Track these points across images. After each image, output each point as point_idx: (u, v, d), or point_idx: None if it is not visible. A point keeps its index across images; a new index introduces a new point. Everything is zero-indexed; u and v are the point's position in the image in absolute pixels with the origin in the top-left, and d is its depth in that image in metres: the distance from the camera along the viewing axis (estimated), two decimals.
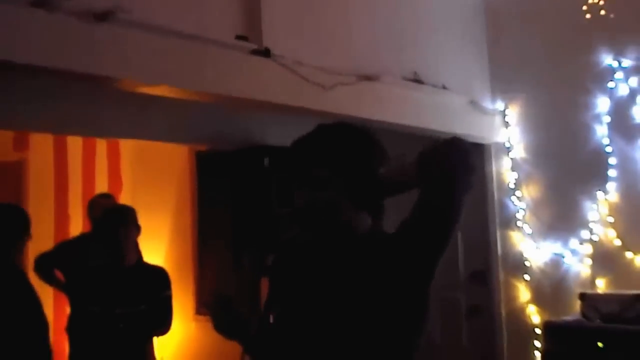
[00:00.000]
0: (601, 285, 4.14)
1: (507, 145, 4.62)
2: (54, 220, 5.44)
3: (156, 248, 5.86)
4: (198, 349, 5.50)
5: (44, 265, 4.01)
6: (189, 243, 5.67)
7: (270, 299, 1.70)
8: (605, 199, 4.11)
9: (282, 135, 1.72)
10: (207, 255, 5.52)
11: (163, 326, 3.58)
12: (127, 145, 5.86)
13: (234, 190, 4.94)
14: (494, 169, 4.72)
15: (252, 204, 4.58)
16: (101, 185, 5.65)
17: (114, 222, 3.45)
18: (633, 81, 4.03)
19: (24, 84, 3.04)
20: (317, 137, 1.67)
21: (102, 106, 3.67)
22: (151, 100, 3.20)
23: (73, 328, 3.57)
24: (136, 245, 3.64)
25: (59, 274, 3.97)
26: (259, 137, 4.65)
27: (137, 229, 3.56)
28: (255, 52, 3.07)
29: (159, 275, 3.61)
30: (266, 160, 4.69)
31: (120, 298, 3.38)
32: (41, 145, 5.34)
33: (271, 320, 1.68)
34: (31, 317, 3.02)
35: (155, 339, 3.74)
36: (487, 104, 4.61)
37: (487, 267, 4.73)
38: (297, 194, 1.63)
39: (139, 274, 3.51)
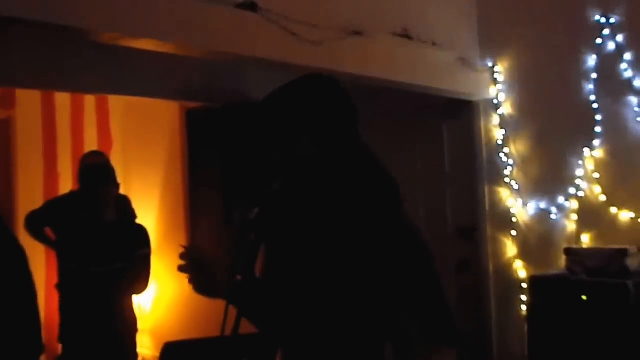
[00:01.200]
0: (586, 240, 4.19)
1: (496, 102, 4.62)
2: (43, 177, 5.45)
3: (148, 204, 5.89)
4: (194, 304, 5.56)
5: (34, 222, 4.03)
6: (181, 199, 5.71)
7: (253, 253, 1.71)
8: (592, 156, 4.14)
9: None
10: (198, 211, 5.56)
11: (139, 284, 3.58)
12: (116, 102, 5.84)
13: (223, 146, 4.96)
14: (482, 125, 4.74)
15: (242, 159, 4.60)
16: (90, 142, 5.65)
17: (92, 180, 3.44)
18: (620, 37, 4.01)
19: (6, 39, 3.02)
20: (287, 94, 1.69)
21: (89, 61, 3.65)
22: (140, 56, 3.19)
23: (60, 285, 3.60)
24: (118, 202, 3.65)
25: (49, 231, 3.99)
26: (248, 93, 4.64)
27: (117, 186, 3.57)
28: (241, 6, 3.05)
29: (137, 233, 3.61)
30: (252, 118, 4.69)
31: (97, 255, 3.40)
32: (28, 102, 5.31)
33: (256, 274, 1.70)
34: (17, 278, 2.95)
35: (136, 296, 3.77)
36: (476, 61, 4.60)
37: (475, 222, 4.78)
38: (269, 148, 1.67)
39: (117, 232, 3.51)
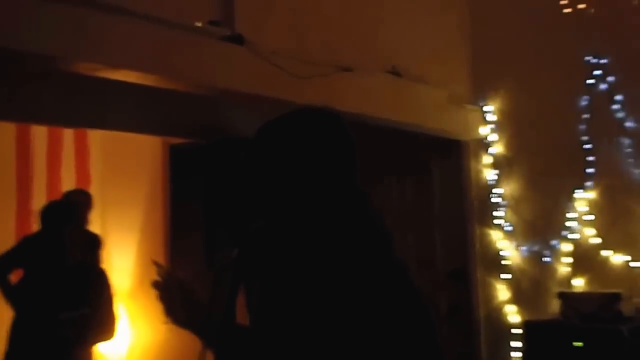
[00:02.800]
0: (579, 284, 4.09)
1: (486, 141, 4.55)
2: (16, 215, 5.24)
3: (125, 246, 5.71)
4: (171, 352, 5.36)
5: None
6: (161, 240, 5.53)
7: (233, 294, 1.60)
8: (584, 197, 4.06)
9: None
10: (179, 252, 5.38)
11: (102, 332, 3.34)
12: (96, 137, 5.68)
13: (208, 185, 4.83)
14: (472, 165, 4.66)
15: (227, 199, 4.47)
16: (68, 179, 5.46)
17: (58, 220, 3.24)
18: (611, 78, 3.98)
19: None
20: (285, 125, 1.55)
21: (68, 93, 3.52)
22: (121, 88, 3.06)
23: (12, 332, 3.32)
24: (87, 243, 3.45)
25: (16, 274, 3.74)
26: (234, 129, 4.54)
27: (81, 226, 3.38)
28: (227, 39, 2.95)
29: (97, 278, 3.39)
30: (242, 154, 4.57)
31: (55, 302, 3.16)
32: (2, 135, 5.14)
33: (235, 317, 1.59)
34: None
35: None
36: (467, 100, 4.55)
37: (466, 265, 4.66)
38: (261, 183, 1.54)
39: (78, 276, 3.28)
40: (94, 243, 3.56)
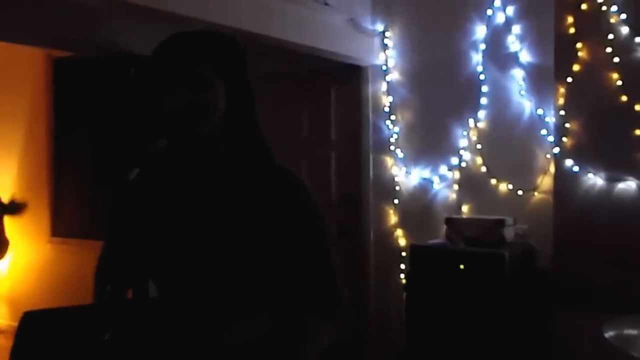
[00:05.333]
0: (466, 211, 4.25)
1: (385, 68, 4.56)
2: None
3: (5, 164, 5.40)
4: (54, 271, 5.20)
5: None
6: (44, 159, 5.26)
7: (127, 215, 1.56)
8: (476, 126, 4.17)
9: (151, 44, 1.52)
10: (63, 172, 5.14)
11: None
12: None
13: (95, 101, 4.59)
14: (370, 91, 4.67)
15: (115, 116, 4.27)
16: None
17: None
18: (510, 10, 4.04)
19: None
20: (202, 37, 1.52)
21: None
22: None
23: None
24: None
25: None
26: (125, 44, 4.30)
27: None
28: None
29: None
30: (132, 70, 4.37)
31: None
32: None
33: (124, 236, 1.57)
34: None
35: None
36: (367, 25, 4.50)
37: (359, 190, 4.73)
38: (174, 93, 1.46)
39: None
40: None
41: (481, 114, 4.15)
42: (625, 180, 3.52)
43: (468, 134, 4.21)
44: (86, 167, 4.57)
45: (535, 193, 3.93)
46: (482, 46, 4.12)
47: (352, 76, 4.70)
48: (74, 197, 5.02)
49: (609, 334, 2.61)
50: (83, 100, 4.76)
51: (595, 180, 3.61)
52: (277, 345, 1.50)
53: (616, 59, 3.52)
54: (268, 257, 1.50)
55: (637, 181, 3.48)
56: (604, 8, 3.55)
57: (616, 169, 3.54)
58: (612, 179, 3.56)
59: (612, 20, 3.55)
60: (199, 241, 1.50)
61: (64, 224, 5.12)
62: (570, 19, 3.69)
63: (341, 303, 1.59)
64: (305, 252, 1.53)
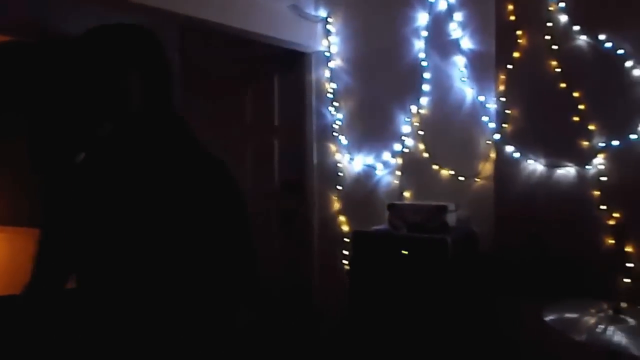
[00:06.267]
0: (408, 196, 4.28)
1: (328, 54, 4.53)
2: None
3: None
4: None
5: None
6: None
7: (70, 200, 1.58)
8: (418, 113, 4.20)
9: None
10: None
11: None
12: None
13: (31, 86, 4.43)
14: (313, 78, 4.64)
15: (54, 101, 4.13)
16: None
17: None
18: None
19: None
20: (121, 31, 1.61)
21: None
22: None
23: None
24: None
25: None
26: (64, 29, 4.16)
27: None
28: None
29: None
30: (67, 57, 4.24)
31: None
32: None
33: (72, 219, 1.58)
34: None
35: None
36: (310, 11, 4.47)
37: (303, 176, 4.72)
38: (92, 88, 1.54)
39: None
40: None
41: (423, 100, 4.17)
42: (564, 166, 3.60)
43: (411, 120, 4.23)
44: (23, 153, 4.44)
45: (477, 179, 3.98)
46: (424, 33, 4.14)
47: (295, 63, 4.66)
48: (10, 183, 4.85)
49: (549, 318, 2.66)
50: (20, 84, 4.60)
51: (535, 166, 3.69)
52: (199, 325, 1.56)
53: (555, 47, 3.59)
54: (189, 241, 1.55)
55: (575, 167, 3.56)
56: None
57: (555, 155, 3.62)
58: (551, 165, 3.64)
59: (551, 9, 3.61)
60: (119, 229, 1.54)
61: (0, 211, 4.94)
62: (510, 7, 3.74)
63: (258, 284, 1.66)
64: (224, 234, 1.59)
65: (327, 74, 4.55)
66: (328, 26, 4.51)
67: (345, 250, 4.47)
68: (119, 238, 1.54)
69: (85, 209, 1.57)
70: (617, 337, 2.45)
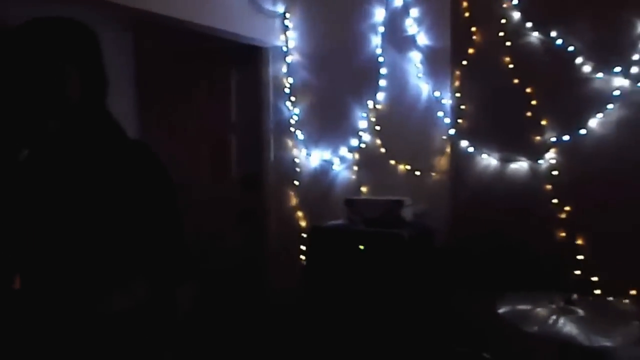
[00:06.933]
0: (365, 191, 4.30)
1: (285, 49, 4.52)
2: None
3: None
4: None
5: None
6: None
7: (13, 198, 1.57)
8: (375, 108, 4.21)
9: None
10: None
11: None
12: None
13: None
14: (270, 73, 4.62)
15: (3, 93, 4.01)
16: None
17: None
18: None
19: None
20: (56, 25, 1.61)
21: None
22: None
23: None
24: None
25: None
26: (12, 20, 4.02)
27: None
28: None
29: None
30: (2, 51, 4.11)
31: None
32: None
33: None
34: None
35: None
36: (268, 5, 4.44)
37: (260, 171, 4.69)
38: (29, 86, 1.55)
39: None
40: None
41: (380, 95, 4.19)
42: (517, 160, 3.66)
43: (367, 115, 4.24)
44: None
45: (433, 173, 4.02)
46: (381, 29, 4.16)
47: (252, 57, 4.63)
48: None
49: (502, 310, 2.70)
50: None
51: (489, 160, 3.74)
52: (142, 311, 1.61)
53: (508, 43, 3.64)
54: (121, 229, 1.57)
55: (528, 161, 3.62)
56: None
57: (509, 150, 3.67)
58: (505, 159, 3.69)
59: (505, 6, 3.66)
60: (55, 226, 1.54)
61: None
62: (465, 3, 3.78)
63: (191, 267, 1.70)
64: (154, 219, 1.62)
65: (284, 69, 4.54)
66: (285, 21, 4.49)
67: (303, 245, 4.46)
68: (55, 235, 1.54)
69: (28, 206, 1.56)
70: (568, 328, 2.50)
